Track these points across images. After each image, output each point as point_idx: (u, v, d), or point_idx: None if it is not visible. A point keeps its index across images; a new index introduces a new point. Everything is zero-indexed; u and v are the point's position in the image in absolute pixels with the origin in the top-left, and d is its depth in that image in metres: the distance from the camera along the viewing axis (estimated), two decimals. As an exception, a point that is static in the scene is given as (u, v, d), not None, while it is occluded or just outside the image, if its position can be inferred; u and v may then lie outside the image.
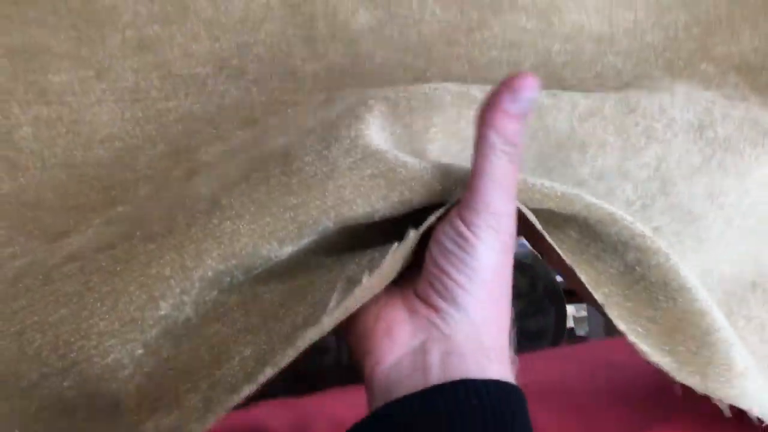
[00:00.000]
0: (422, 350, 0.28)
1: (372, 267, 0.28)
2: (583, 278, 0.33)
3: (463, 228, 0.28)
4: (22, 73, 0.37)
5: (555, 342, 0.91)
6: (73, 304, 0.29)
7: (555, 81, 0.40)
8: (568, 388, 0.47)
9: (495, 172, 0.29)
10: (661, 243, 0.32)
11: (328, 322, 0.27)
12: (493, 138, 0.28)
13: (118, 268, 0.30)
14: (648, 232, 0.32)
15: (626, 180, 0.37)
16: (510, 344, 0.30)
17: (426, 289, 0.29)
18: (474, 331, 0.29)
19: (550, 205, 0.31)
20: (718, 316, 0.32)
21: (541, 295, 0.91)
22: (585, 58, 0.41)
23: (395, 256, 0.28)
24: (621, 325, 0.32)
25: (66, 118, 0.37)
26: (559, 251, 0.31)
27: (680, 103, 0.38)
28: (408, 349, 0.29)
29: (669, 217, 0.37)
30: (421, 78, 0.39)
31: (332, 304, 0.27)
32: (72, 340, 0.29)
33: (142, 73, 0.38)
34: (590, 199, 0.32)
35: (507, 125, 0.28)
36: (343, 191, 0.29)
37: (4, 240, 0.35)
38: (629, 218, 0.32)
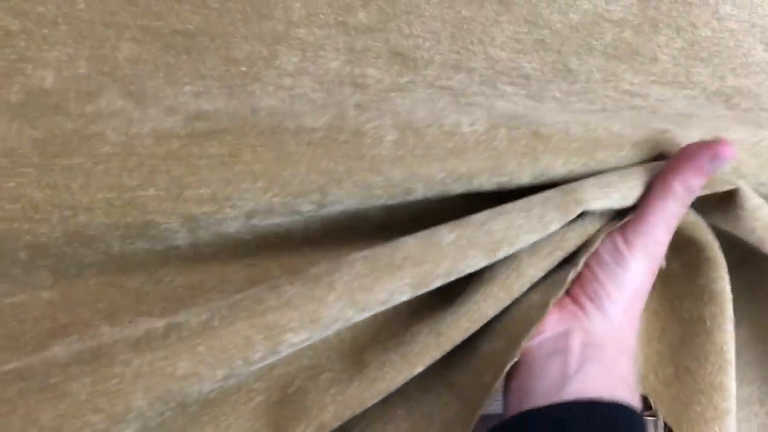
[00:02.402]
0: (565, 336, 0.33)
1: (557, 290, 0.33)
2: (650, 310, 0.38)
3: (623, 246, 0.33)
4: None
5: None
6: None
7: None
8: None
9: (668, 212, 0.33)
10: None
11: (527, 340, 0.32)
12: (678, 187, 0.32)
13: None
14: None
15: None
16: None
17: (577, 290, 0.34)
18: (612, 332, 0.33)
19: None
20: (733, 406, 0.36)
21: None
22: None
23: (572, 277, 0.33)
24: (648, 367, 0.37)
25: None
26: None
27: None
28: (553, 333, 0.33)
29: None
30: None
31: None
32: None
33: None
34: (711, 235, 0.36)
35: (695, 180, 0.32)
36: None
37: None
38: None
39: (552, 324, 0.33)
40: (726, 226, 0.36)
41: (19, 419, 0.25)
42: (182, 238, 0.31)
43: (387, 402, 0.37)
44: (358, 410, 0.33)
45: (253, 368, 0.29)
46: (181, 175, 0.28)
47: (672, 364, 0.37)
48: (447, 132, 0.31)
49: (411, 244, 0.30)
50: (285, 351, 0.29)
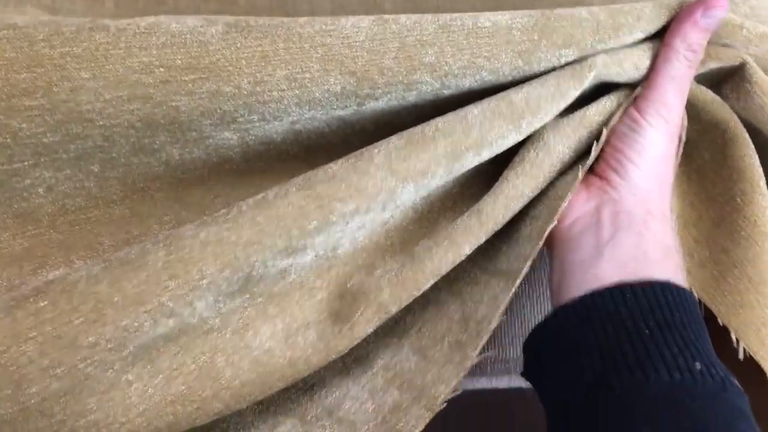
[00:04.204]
0: (595, 211, 0.34)
1: (584, 162, 0.35)
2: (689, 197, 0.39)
3: (637, 115, 0.35)
4: None
5: None
6: None
7: None
8: None
9: (673, 72, 0.34)
10: None
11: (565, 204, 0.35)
12: (678, 44, 0.34)
13: None
14: None
15: None
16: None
17: (602, 166, 0.36)
18: (640, 197, 0.34)
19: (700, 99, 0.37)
20: None
21: None
22: None
23: (598, 149, 0.36)
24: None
25: None
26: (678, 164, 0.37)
27: None
28: (583, 211, 0.35)
29: None
30: None
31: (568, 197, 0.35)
32: None
33: None
34: (732, 113, 0.37)
35: (693, 34, 0.34)
36: None
37: None
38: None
39: (581, 203, 0.35)
40: (740, 109, 0.38)
41: (104, 288, 0.28)
42: (235, 147, 0.34)
43: (440, 301, 0.38)
44: (415, 293, 0.34)
45: (310, 241, 0.31)
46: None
47: (708, 246, 0.38)
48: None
49: (440, 120, 0.33)
50: (338, 222, 0.31)
